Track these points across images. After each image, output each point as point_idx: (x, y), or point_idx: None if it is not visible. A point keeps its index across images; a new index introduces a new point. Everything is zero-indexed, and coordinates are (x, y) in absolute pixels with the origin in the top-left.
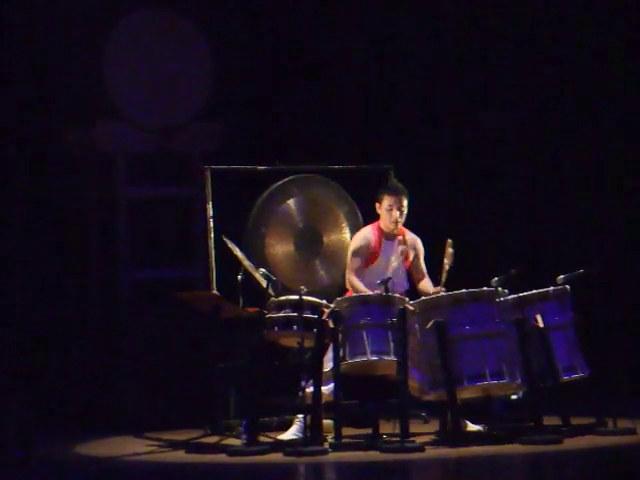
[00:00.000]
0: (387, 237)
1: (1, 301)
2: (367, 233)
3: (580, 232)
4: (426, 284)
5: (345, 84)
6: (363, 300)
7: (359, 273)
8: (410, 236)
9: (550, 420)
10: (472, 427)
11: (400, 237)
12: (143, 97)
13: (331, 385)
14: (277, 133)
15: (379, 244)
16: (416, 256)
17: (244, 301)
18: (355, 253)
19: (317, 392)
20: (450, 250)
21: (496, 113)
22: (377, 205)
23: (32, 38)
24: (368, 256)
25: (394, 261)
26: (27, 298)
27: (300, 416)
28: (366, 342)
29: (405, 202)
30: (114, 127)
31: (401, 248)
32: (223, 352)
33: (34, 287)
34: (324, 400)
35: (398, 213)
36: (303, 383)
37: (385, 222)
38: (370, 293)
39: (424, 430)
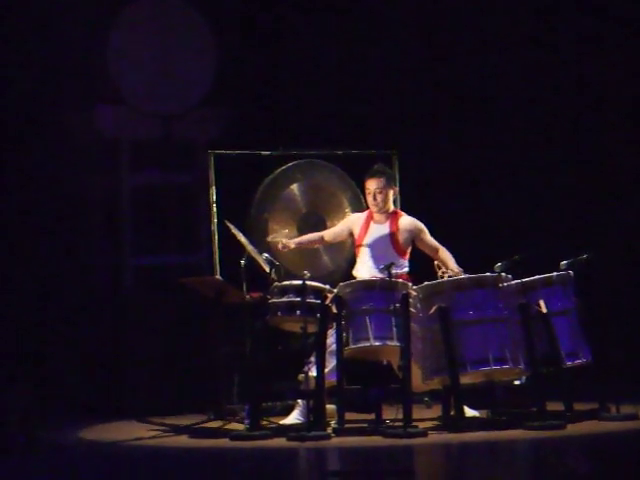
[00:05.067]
0: (377, 222)
1: (5, 287)
2: (359, 214)
3: (583, 217)
4: (443, 254)
5: (349, 70)
6: (366, 285)
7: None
8: (406, 220)
9: (553, 406)
10: (469, 412)
11: (387, 222)
12: (147, 83)
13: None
14: (281, 118)
15: (365, 228)
16: (417, 237)
17: (247, 286)
18: (340, 222)
19: (320, 377)
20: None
21: (500, 99)
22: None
23: (35, 24)
24: (354, 236)
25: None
26: (31, 284)
27: (301, 401)
28: (369, 327)
29: (379, 183)
30: (118, 113)
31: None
32: (226, 337)
33: (38, 273)
34: (327, 385)
35: (372, 196)
36: (306, 368)
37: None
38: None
39: (427, 415)
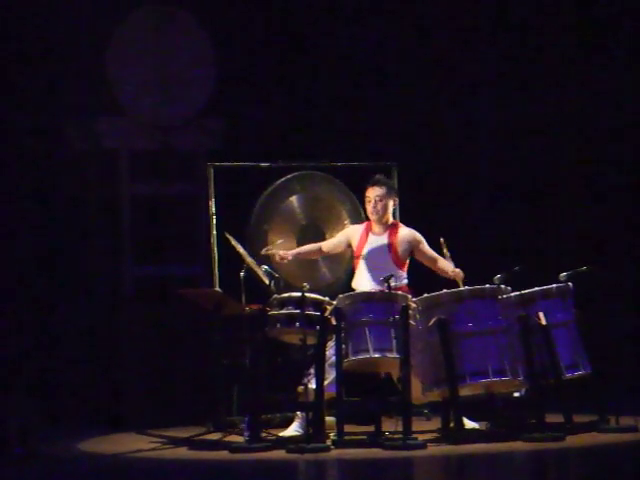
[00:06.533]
0: (375, 233)
1: (4, 297)
2: (357, 226)
3: (582, 229)
4: (442, 264)
5: (349, 81)
6: (366, 297)
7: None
8: (404, 231)
9: (552, 417)
10: (469, 424)
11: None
12: (146, 94)
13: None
14: (280, 130)
15: (364, 239)
16: (415, 248)
17: (247, 298)
18: (339, 233)
19: (319, 389)
20: (445, 250)
21: (497, 111)
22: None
23: (35, 34)
24: (353, 247)
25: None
26: (30, 295)
27: (300, 413)
28: (368, 339)
29: (378, 191)
30: (117, 124)
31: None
32: (226, 349)
33: (37, 284)
34: (326, 397)
35: (371, 204)
36: (305, 380)
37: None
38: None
39: (426, 427)
